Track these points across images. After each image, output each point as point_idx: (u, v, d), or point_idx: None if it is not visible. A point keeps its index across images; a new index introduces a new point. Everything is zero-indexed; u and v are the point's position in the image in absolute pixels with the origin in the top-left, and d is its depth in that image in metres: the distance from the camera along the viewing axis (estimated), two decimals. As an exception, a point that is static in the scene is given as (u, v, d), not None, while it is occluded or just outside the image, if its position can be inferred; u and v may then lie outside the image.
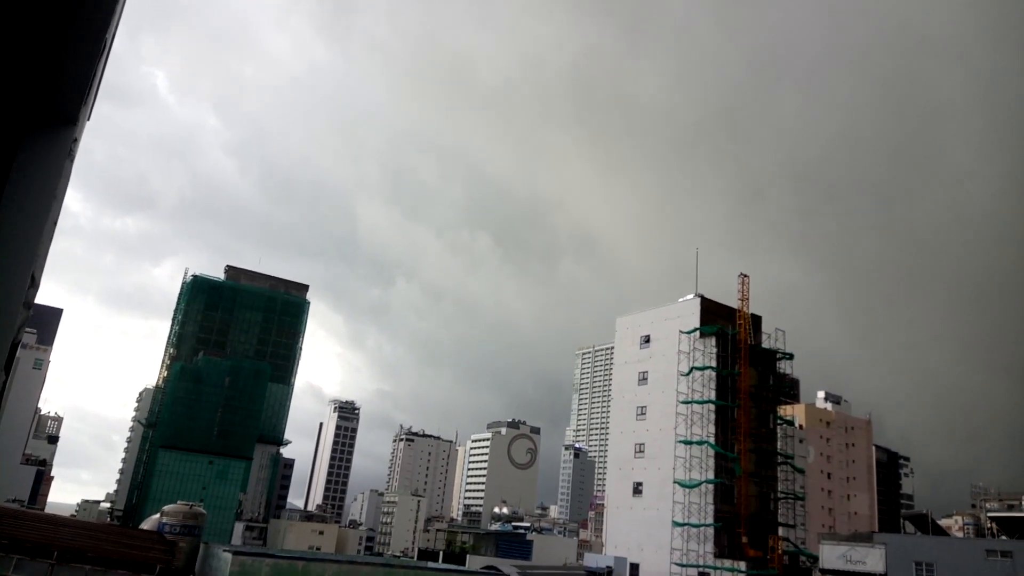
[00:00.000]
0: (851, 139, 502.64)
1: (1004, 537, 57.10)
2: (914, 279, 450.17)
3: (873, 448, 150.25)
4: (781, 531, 75.10)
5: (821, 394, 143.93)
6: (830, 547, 59.26)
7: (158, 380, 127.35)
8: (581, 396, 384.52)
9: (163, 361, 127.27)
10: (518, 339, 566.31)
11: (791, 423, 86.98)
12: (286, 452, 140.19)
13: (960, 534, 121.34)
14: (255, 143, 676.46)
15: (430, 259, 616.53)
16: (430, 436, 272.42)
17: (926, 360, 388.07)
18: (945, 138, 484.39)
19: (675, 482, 72.69)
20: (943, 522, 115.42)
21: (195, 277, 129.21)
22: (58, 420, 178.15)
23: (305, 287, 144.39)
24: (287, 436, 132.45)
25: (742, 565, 66.64)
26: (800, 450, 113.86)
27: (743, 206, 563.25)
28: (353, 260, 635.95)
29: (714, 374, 73.76)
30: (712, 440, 71.70)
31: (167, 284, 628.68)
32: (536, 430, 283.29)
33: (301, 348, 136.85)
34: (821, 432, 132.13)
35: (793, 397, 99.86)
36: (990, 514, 69.23)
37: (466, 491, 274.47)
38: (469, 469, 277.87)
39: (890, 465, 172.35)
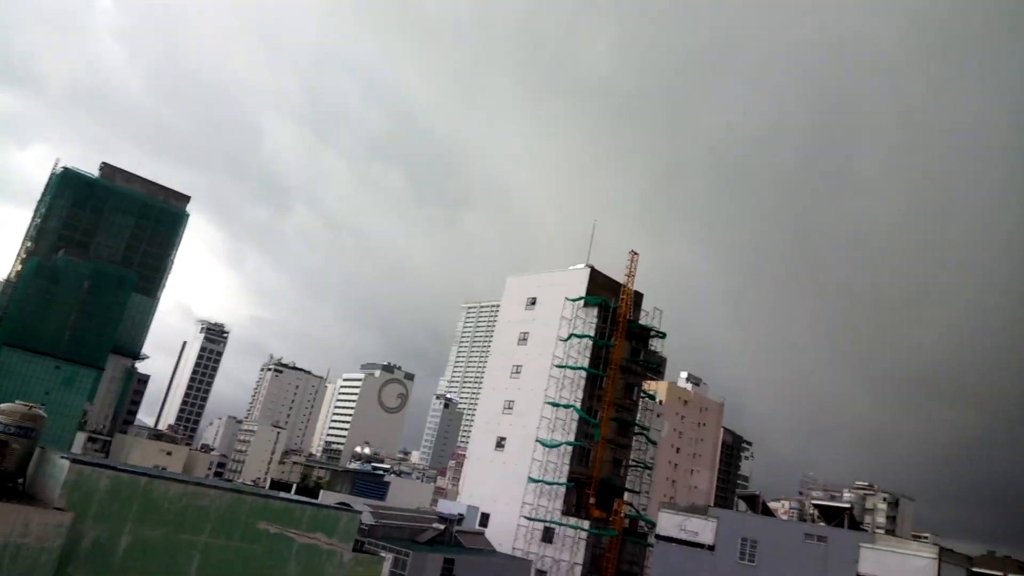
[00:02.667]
0: (775, 138, 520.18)
1: (823, 524, 62.76)
2: (804, 284, 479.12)
3: (722, 430, 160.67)
4: (627, 496, 79.31)
5: (684, 374, 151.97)
6: (668, 515, 63.11)
7: (10, 273, 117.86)
8: (460, 349, 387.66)
9: (18, 254, 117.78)
10: (410, 284, 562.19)
11: (652, 398, 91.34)
12: (142, 368, 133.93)
13: (785, 516, 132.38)
14: (151, 31, 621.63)
15: (335, 188, 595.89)
16: (300, 370, 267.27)
17: (797, 359, 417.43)
18: (859, 151, 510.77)
19: (537, 440, 74.99)
20: (772, 504, 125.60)
21: (66, 170, 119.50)
22: None
23: (186, 198, 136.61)
24: (146, 351, 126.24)
25: (586, 524, 70.03)
26: (656, 424, 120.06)
27: (662, 185, 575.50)
28: (246, 176, 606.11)
29: (591, 343, 76.15)
30: (578, 405, 74.31)
31: (32, 171, 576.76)
32: (410, 376, 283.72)
33: (173, 261, 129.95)
34: (678, 410, 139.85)
35: (659, 374, 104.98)
36: (814, 502, 75.94)
37: (329, 428, 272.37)
38: (336, 407, 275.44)
39: (734, 447, 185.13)
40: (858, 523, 67.32)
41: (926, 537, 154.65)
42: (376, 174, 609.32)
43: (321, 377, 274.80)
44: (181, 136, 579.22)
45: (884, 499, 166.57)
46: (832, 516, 64.42)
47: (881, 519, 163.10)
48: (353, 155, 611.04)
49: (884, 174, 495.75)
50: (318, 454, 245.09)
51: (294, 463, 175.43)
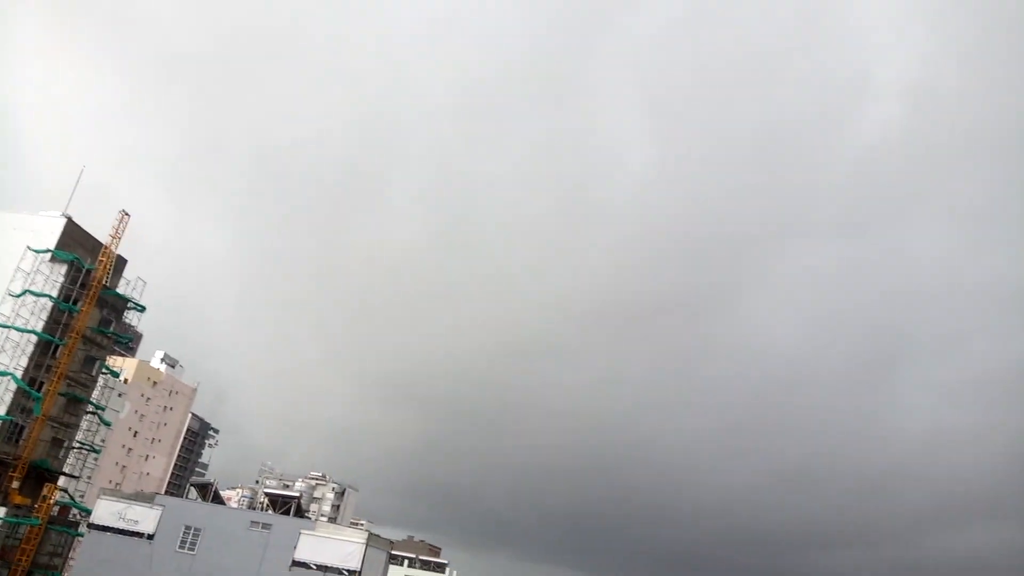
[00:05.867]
0: (321, 145, 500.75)
1: (271, 511, 65.10)
2: (325, 286, 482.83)
3: (190, 416, 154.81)
4: (64, 481, 70.33)
5: (160, 354, 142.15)
6: (108, 503, 58.18)
7: None
8: None
9: None
10: None
11: (117, 375, 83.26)
12: None
13: (236, 504, 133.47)
14: None
15: None
16: None
17: (297, 355, 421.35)
18: (393, 180, 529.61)
19: (-49, 412, 61.40)
20: (227, 493, 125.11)
21: None
22: None
23: None
24: None
25: (2, 512, 59.85)
26: (116, 404, 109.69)
27: (200, 155, 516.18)
28: None
29: (50, 304, 65.86)
30: (19, 374, 63.31)
31: None
32: None
33: None
34: (145, 391, 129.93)
35: (131, 350, 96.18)
36: (265, 490, 78.34)
37: None
38: None
39: (200, 434, 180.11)
40: (304, 511, 71.84)
41: (363, 524, 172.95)
42: None
43: None
44: None
45: (332, 489, 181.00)
46: (282, 504, 67.51)
47: (327, 508, 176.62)
48: None
49: (411, 206, 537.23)
50: None
51: None
